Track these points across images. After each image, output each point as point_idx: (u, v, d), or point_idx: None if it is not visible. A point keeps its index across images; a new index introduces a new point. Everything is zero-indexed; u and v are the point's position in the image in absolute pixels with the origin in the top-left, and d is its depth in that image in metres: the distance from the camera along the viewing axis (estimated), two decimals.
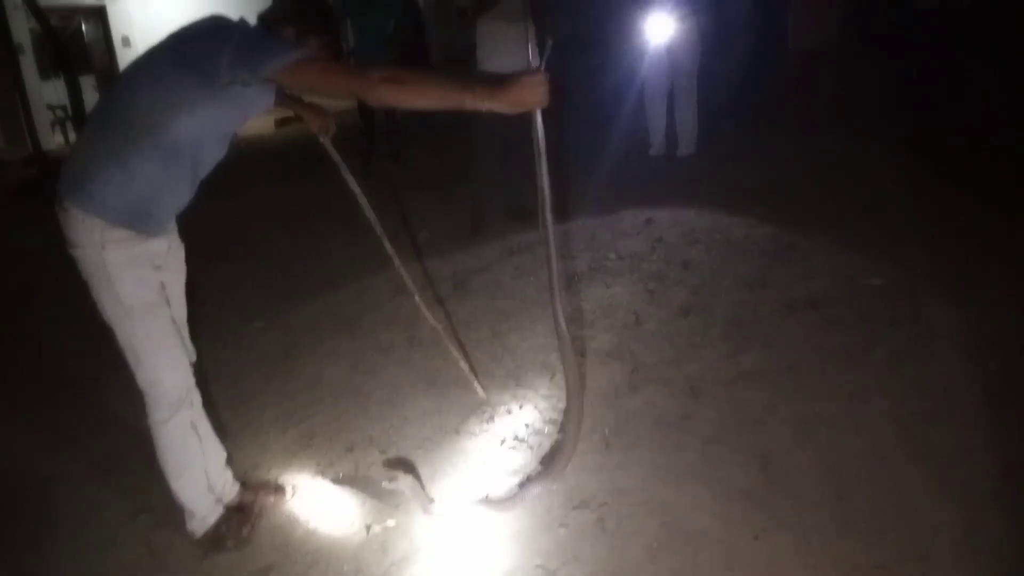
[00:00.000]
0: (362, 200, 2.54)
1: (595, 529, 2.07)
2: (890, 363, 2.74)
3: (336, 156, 2.49)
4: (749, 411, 2.54)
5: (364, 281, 3.97)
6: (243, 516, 2.15)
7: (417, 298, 2.66)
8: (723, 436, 2.43)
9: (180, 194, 1.92)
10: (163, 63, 1.81)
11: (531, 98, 1.72)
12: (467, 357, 2.95)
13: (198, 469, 2.05)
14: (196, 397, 2.05)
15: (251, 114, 1.92)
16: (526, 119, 1.82)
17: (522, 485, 2.24)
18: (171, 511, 2.13)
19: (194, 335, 2.13)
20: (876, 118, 5.80)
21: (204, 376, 2.30)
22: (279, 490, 2.34)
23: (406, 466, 2.42)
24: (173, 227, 2.03)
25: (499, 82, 1.70)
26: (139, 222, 1.83)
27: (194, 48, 1.79)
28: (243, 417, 2.81)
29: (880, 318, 3.05)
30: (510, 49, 4.06)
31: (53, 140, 10.00)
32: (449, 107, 1.72)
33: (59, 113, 10.08)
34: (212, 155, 1.93)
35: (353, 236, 4.22)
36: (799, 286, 3.41)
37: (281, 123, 9.66)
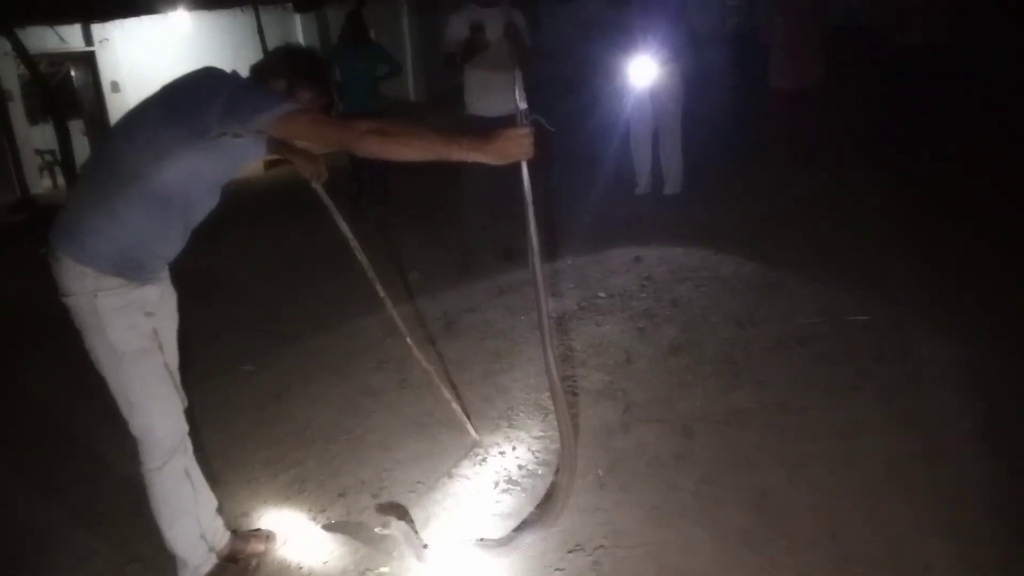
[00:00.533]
0: (353, 243, 2.55)
1: (591, 573, 2.06)
2: (880, 400, 2.76)
3: (327, 200, 2.51)
4: (742, 450, 2.55)
5: (354, 323, 3.97)
6: (238, 569, 2.12)
7: (408, 340, 2.66)
8: (717, 476, 2.43)
9: (171, 243, 1.94)
10: (154, 116, 1.84)
11: (515, 151, 1.74)
12: (459, 398, 2.95)
13: (191, 517, 2.03)
14: (189, 444, 2.04)
15: (242, 163, 1.95)
16: (514, 166, 1.85)
17: (517, 531, 2.22)
18: (161, 560, 2.10)
19: (183, 380, 2.11)
20: (860, 155, 5.90)
21: (193, 421, 2.29)
22: (270, 538, 2.31)
23: (399, 511, 2.40)
24: (165, 275, 2.04)
25: (484, 135, 1.73)
26: (131, 271, 1.84)
27: (185, 101, 1.82)
28: (233, 463, 2.78)
29: (868, 354, 3.08)
30: (498, 93, 4.15)
31: (41, 185, 10.01)
32: (434, 159, 1.73)
33: (47, 158, 10.12)
34: (203, 204, 1.95)
35: (343, 278, 4.23)
36: (787, 323, 3.44)
37: (271, 165, 9.71)
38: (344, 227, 2.54)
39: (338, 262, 4.08)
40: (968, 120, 6.15)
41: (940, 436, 2.51)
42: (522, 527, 2.22)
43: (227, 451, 2.86)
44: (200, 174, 1.85)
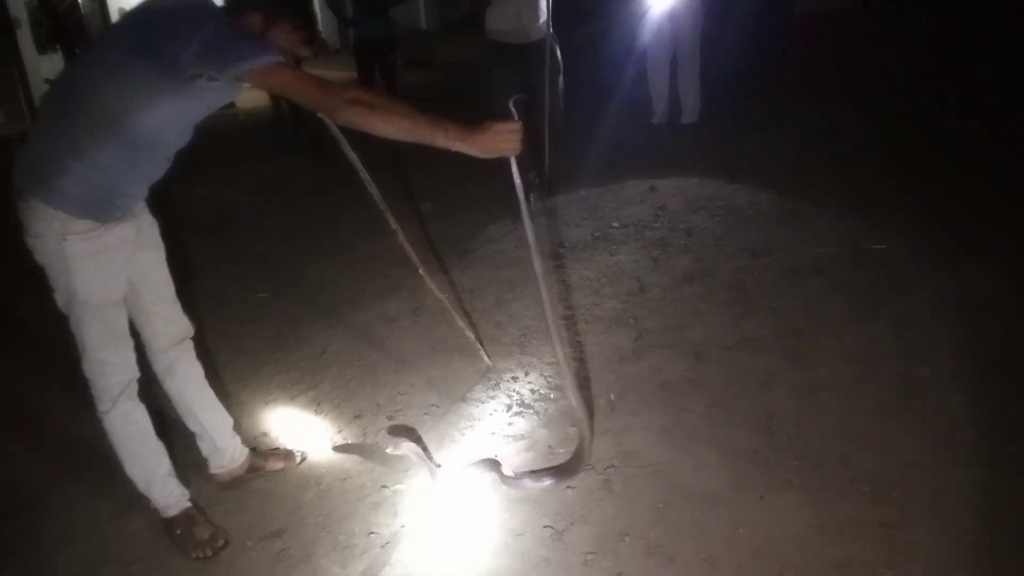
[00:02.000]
0: (362, 173, 2.50)
1: (602, 491, 2.10)
2: (895, 328, 2.74)
3: (335, 128, 2.44)
4: (754, 375, 2.56)
5: (368, 253, 3.97)
6: (204, 533, 2.05)
7: (421, 270, 2.65)
8: (727, 400, 2.45)
9: (143, 181, 1.84)
10: (124, 49, 1.70)
11: (502, 146, 1.71)
12: (472, 326, 2.97)
13: (149, 460, 2.02)
14: (190, 371, 2.09)
15: (216, 106, 1.84)
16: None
17: (534, 476, 2.22)
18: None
19: (198, 308, 2.11)
20: (889, 87, 5.74)
21: (209, 348, 2.31)
22: (289, 456, 2.36)
23: (412, 434, 2.44)
24: (141, 208, 1.94)
25: (473, 124, 1.69)
26: (101, 211, 1.76)
27: (158, 36, 1.66)
28: (251, 386, 2.83)
29: (885, 283, 3.05)
30: (518, 10, 4.06)
31: (44, 137, 9.90)
32: (416, 140, 1.68)
33: None
34: (175, 143, 1.84)
35: (357, 208, 4.22)
36: (803, 252, 3.41)
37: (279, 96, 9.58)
38: (353, 156, 2.47)
39: (351, 193, 4.06)
40: (1008, 57, 5.92)
41: (953, 365, 2.50)
42: (539, 474, 2.21)
43: (245, 375, 2.91)
44: (172, 116, 1.75)
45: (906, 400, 2.34)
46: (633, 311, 3.09)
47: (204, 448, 2.23)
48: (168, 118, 1.75)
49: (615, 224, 4.00)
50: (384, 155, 5.50)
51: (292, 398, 2.75)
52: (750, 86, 6.39)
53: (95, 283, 1.79)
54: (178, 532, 2.04)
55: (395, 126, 1.66)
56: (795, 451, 2.17)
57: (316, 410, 2.66)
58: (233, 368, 2.93)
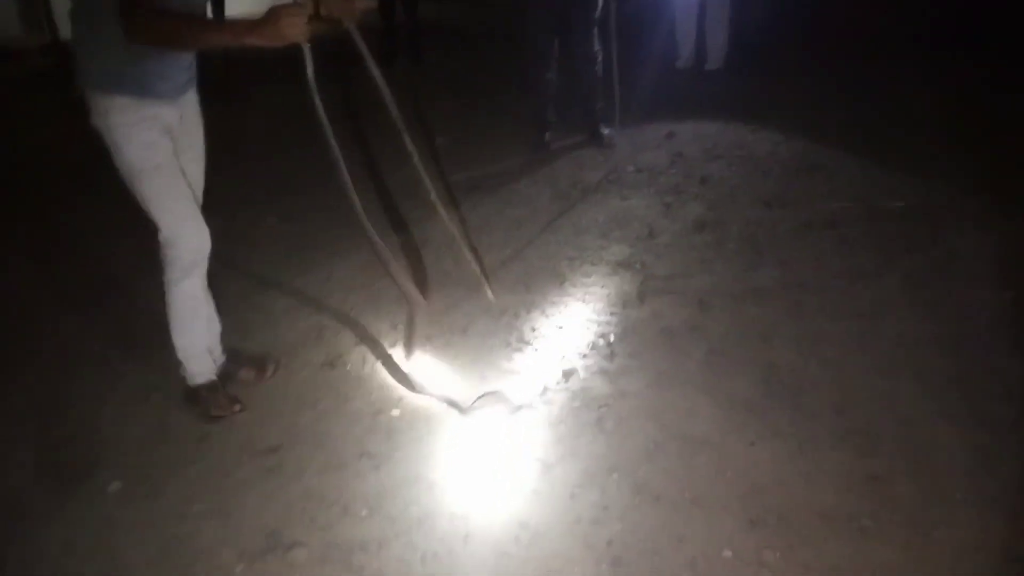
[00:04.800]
0: (384, 90, 2.42)
1: (594, 428, 2.12)
2: (904, 286, 2.71)
3: (360, 42, 2.35)
4: (756, 325, 2.55)
5: (378, 181, 3.93)
6: (225, 399, 2.28)
7: (432, 196, 2.62)
8: (727, 348, 2.44)
9: (161, 60, 1.91)
10: None
11: (288, 31, 1.72)
12: (478, 261, 2.95)
13: (199, 332, 2.21)
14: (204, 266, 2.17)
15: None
16: None
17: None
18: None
19: (208, 222, 2.14)
20: (925, 41, 5.53)
21: (215, 268, 2.35)
22: (261, 368, 2.44)
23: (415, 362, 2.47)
24: (187, 98, 2.07)
25: (259, 19, 1.72)
26: (134, 88, 1.87)
27: None
28: (256, 308, 2.85)
29: (898, 241, 3.00)
30: None
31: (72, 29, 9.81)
32: (210, 45, 1.81)
33: None
34: None
35: (368, 138, 4.19)
36: (818, 206, 3.35)
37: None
38: (377, 74, 2.40)
39: (366, 120, 4.03)
40: None
41: (960, 325, 2.47)
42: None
43: (250, 296, 2.93)
44: None
45: (907, 357, 2.32)
46: (640, 256, 3.07)
47: None
48: None
49: (629, 168, 3.94)
50: (403, 87, 5.44)
51: (295, 321, 2.77)
52: (780, 34, 6.18)
53: (142, 150, 1.92)
54: (203, 395, 2.25)
55: (184, 35, 1.76)
56: (790, 401, 2.17)
57: (319, 335, 2.68)
58: (238, 289, 2.95)
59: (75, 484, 2.06)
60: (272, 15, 1.71)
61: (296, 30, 1.73)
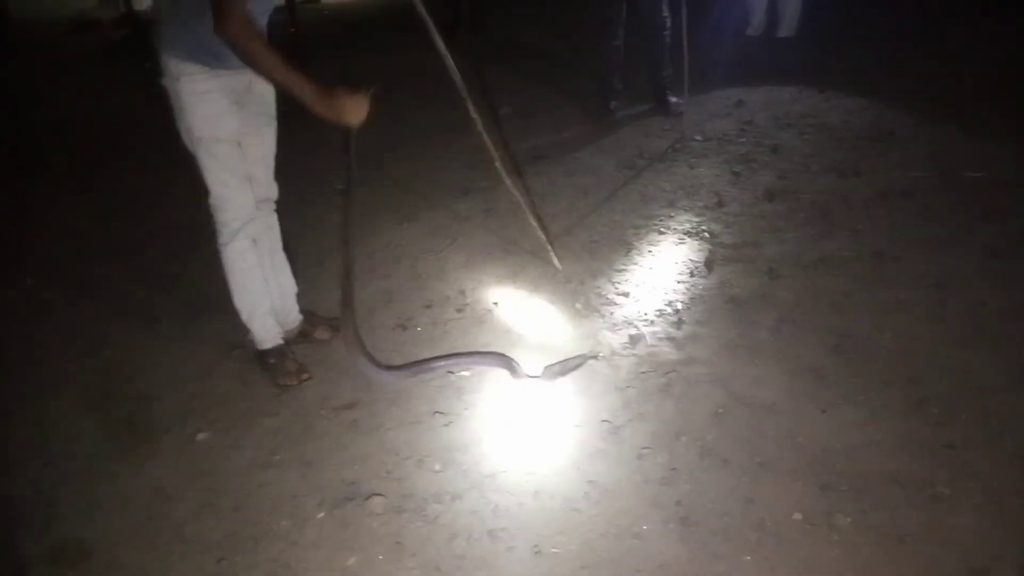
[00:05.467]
0: (448, 62, 2.48)
1: (661, 393, 2.13)
2: (981, 256, 2.62)
3: (423, 11, 2.41)
4: (827, 294, 2.51)
5: (442, 152, 3.98)
6: (293, 366, 2.33)
7: (498, 164, 2.65)
8: (798, 317, 2.42)
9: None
10: None
11: (349, 115, 1.85)
12: (543, 229, 2.98)
13: (258, 295, 2.29)
14: (269, 232, 2.32)
15: None
16: None
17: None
18: None
19: (281, 193, 2.25)
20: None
21: (291, 234, 2.45)
22: (337, 328, 2.50)
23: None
24: None
25: (328, 89, 1.82)
26: (205, 57, 1.94)
27: None
28: (327, 272, 2.94)
29: (978, 211, 2.90)
30: None
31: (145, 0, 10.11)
32: (277, 85, 1.89)
33: None
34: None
35: (434, 107, 4.21)
36: (894, 175, 3.25)
37: None
38: (440, 44, 2.45)
39: (430, 90, 4.05)
40: None
41: None
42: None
43: (323, 261, 3.02)
44: None
45: (984, 327, 2.26)
46: (708, 225, 3.04)
47: None
48: None
49: (697, 137, 3.89)
50: (467, 57, 5.47)
51: (365, 286, 2.84)
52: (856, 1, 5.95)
53: (204, 120, 2.02)
54: (271, 362, 2.34)
55: (265, 61, 1.80)
56: (863, 370, 2.14)
57: (388, 299, 2.76)
58: (311, 254, 3.04)
59: (164, 433, 2.19)
60: (341, 96, 1.82)
61: (357, 116, 1.88)
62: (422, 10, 2.41)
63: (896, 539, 1.63)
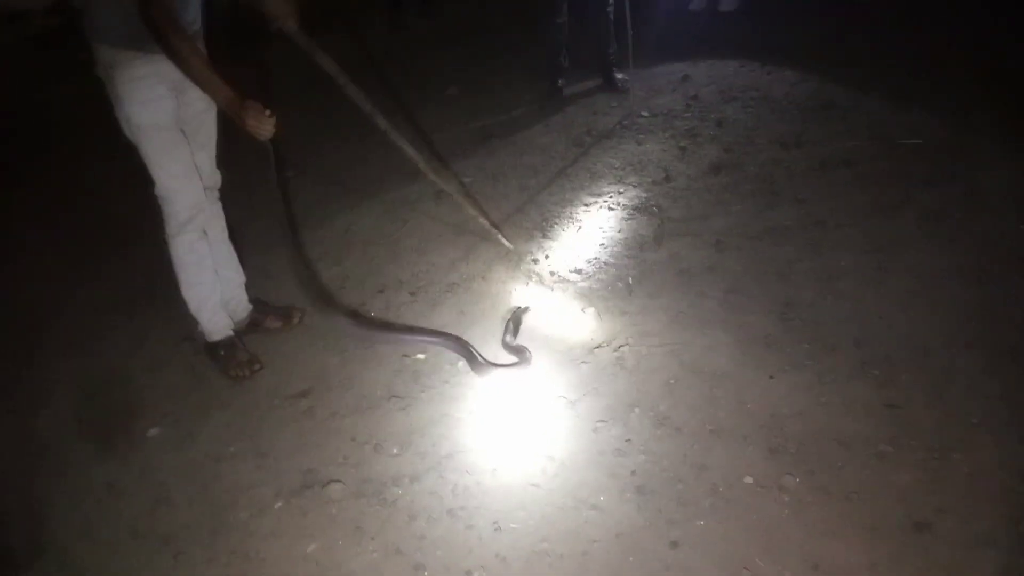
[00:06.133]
0: (341, 80, 2.34)
1: (615, 366, 2.16)
2: (921, 220, 2.71)
3: (305, 42, 2.17)
4: (773, 264, 2.56)
5: (389, 140, 3.93)
6: (244, 357, 2.31)
7: (421, 166, 2.59)
8: (745, 286, 2.47)
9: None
10: None
11: (257, 129, 1.83)
12: (494, 210, 2.97)
13: (206, 286, 2.24)
14: (213, 221, 2.26)
15: None
16: None
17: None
18: None
19: (225, 179, 2.19)
20: None
21: (236, 220, 2.40)
22: (288, 316, 2.50)
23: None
24: None
25: (240, 101, 1.83)
26: (137, 42, 1.88)
27: None
28: (279, 259, 2.89)
29: (916, 177, 2.99)
30: None
31: None
32: (194, 77, 1.84)
33: None
34: None
35: (384, 98, 4.17)
36: (835, 145, 3.33)
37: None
38: (330, 67, 2.27)
39: (380, 80, 3.99)
40: None
41: (978, 257, 2.48)
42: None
43: (273, 248, 2.96)
44: None
45: (924, 289, 2.34)
46: (657, 200, 3.08)
47: None
48: None
49: (644, 113, 3.91)
50: (413, 38, 5.40)
51: (317, 271, 2.81)
52: None
53: (142, 106, 1.96)
54: (221, 354, 2.30)
55: (182, 51, 1.80)
56: (808, 336, 2.20)
57: (342, 284, 2.73)
58: (261, 241, 2.98)
59: (115, 430, 2.14)
60: (244, 114, 1.81)
61: (264, 130, 1.85)
62: (301, 39, 2.19)
63: (843, 497, 1.69)
